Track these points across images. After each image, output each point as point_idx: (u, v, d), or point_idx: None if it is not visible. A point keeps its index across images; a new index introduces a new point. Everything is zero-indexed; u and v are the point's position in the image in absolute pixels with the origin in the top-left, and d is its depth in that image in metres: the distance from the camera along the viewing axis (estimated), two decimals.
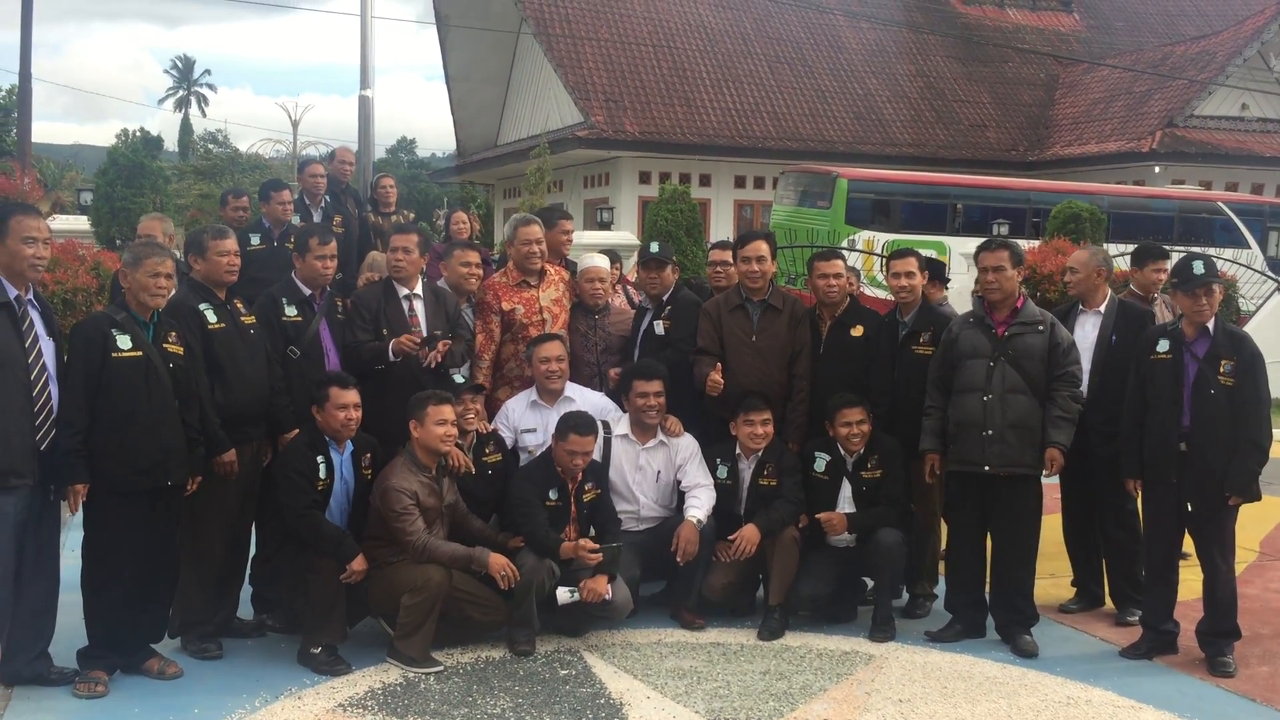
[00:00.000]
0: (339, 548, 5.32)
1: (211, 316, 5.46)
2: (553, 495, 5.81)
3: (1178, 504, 5.63)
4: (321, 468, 5.39)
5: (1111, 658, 5.78)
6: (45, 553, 5.01)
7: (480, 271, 6.67)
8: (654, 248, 6.79)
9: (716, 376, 6.22)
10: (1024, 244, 14.14)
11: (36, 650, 5.03)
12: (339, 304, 6.14)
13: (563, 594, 5.61)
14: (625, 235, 18.12)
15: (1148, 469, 5.69)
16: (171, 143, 63.72)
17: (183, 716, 4.79)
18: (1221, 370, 5.47)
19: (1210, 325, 5.54)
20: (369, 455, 5.63)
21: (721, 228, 26.15)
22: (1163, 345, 5.63)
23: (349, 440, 5.53)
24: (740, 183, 27.64)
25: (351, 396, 5.45)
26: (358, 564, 5.33)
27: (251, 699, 4.99)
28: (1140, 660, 5.71)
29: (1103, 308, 6.27)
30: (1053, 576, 6.75)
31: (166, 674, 5.19)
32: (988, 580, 6.03)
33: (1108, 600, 6.48)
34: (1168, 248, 7.50)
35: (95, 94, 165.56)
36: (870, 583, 6.29)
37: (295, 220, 8.53)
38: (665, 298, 6.65)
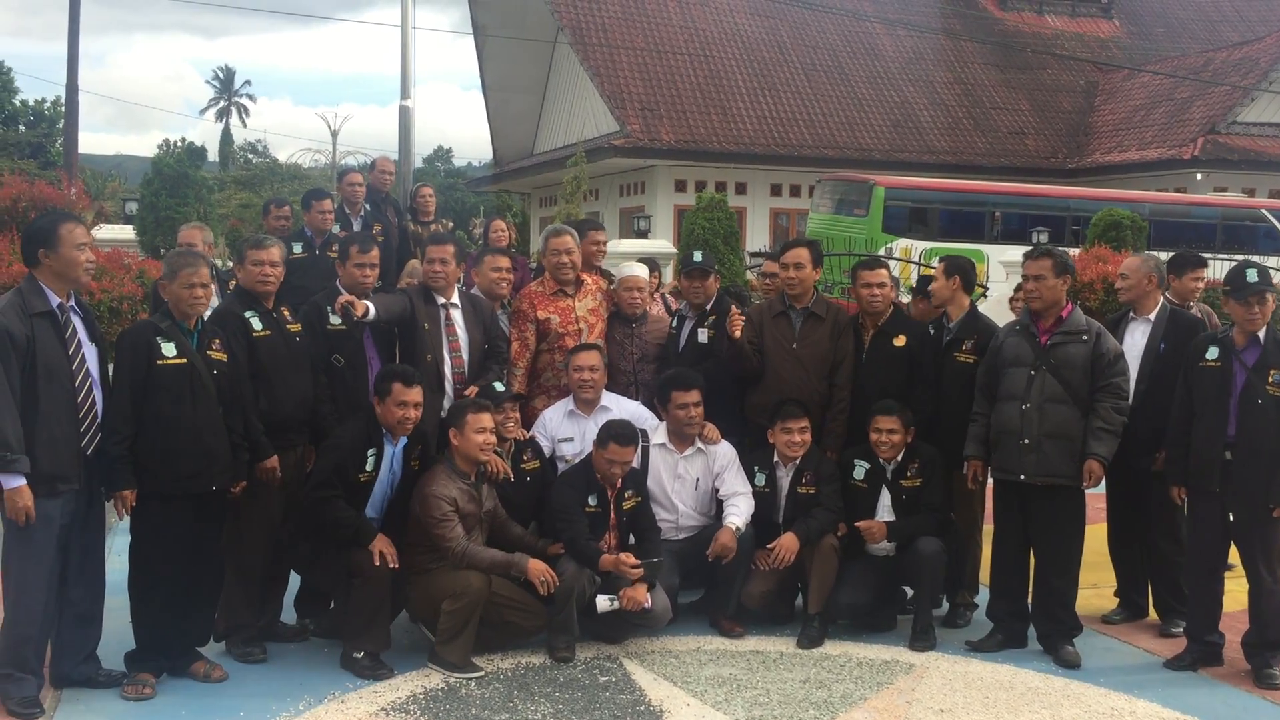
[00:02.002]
0: (357, 534, 5.32)
1: (257, 324, 5.52)
2: (592, 501, 5.83)
3: (1222, 514, 5.57)
4: (370, 460, 5.42)
5: (1156, 669, 5.73)
6: (90, 556, 5.08)
7: (511, 277, 6.70)
8: (697, 257, 6.77)
9: (736, 314, 6.25)
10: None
11: (84, 653, 5.10)
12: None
13: (602, 601, 5.63)
14: (662, 244, 18.16)
15: (1192, 478, 5.64)
16: (211, 153, 64.50)
17: (229, 719, 4.85)
18: (1270, 380, 5.40)
19: (1261, 334, 5.49)
20: (419, 448, 5.65)
21: (757, 236, 26.16)
22: (1212, 352, 5.58)
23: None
24: (776, 191, 27.63)
25: (413, 395, 5.46)
26: (380, 543, 5.33)
27: (295, 702, 5.04)
28: (1185, 672, 5.65)
29: (1153, 315, 6.21)
30: (1095, 587, 6.69)
31: (212, 677, 5.24)
32: (1030, 589, 5.98)
33: (1151, 611, 6.42)
34: (1209, 256, 7.45)
35: (137, 105, 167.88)
36: (910, 591, 6.27)
37: (336, 229, 8.64)
38: (709, 306, 6.65)
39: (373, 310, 5.84)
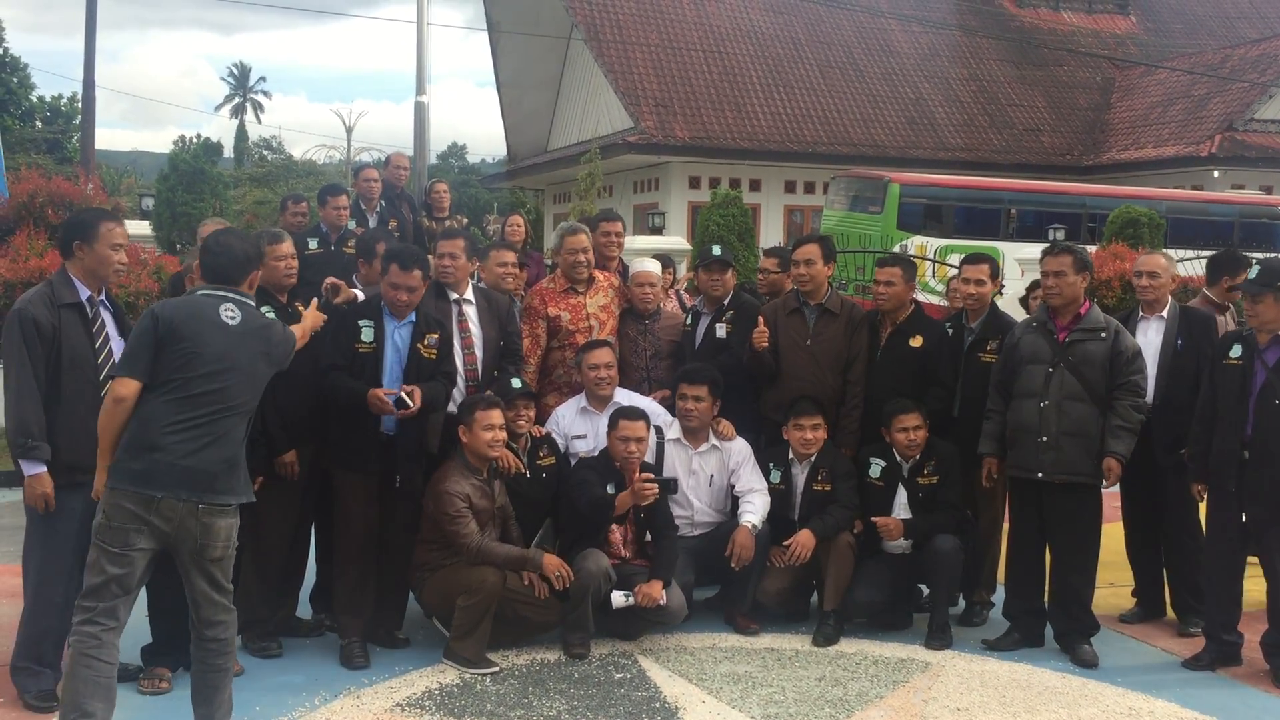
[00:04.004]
0: (352, 395, 5.34)
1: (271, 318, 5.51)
2: (610, 490, 5.82)
3: (1239, 512, 5.54)
4: (367, 331, 5.43)
5: (1174, 669, 5.70)
6: None
7: (517, 271, 6.71)
8: (716, 250, 6.77)
9: (762, 328, 6.24)
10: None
11: None
12: None
13: (617, 598, 5.62)
14: (676, 240, 18.13)
15: (1211, 475, 5.62)
16: (226, 149, 64.57)
17: (244, 713, 4.83)
18: None
19: None
20: (436, 336, 5.60)
21: (771, 233, 26.09)
22: (1236, 350, 5.55)
23: (412, 314, 5.54)
24: (790, 188, 27.57)
25: (407, 279, 5.42)
26: (375, 395, 5.29)
27: (311, 697, 5.05)
28: (1203, 671, 5.62)
29: (1165, 313, 6.19)
30: (1112, 586, 6.66)
31: None
32: (1047, 588, 5.95)
33: (1169, 610, 6.38)
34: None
35: (153, 100, 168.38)
36: (926, 590, 6.24)
37: (351, 225, 8.65)
38: (726, 301, 6.64)
39: (361, 298, 5.83)
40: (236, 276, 4.47)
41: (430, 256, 8.39)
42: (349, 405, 5.37)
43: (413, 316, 5.55)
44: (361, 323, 5.46)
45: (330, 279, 5.89)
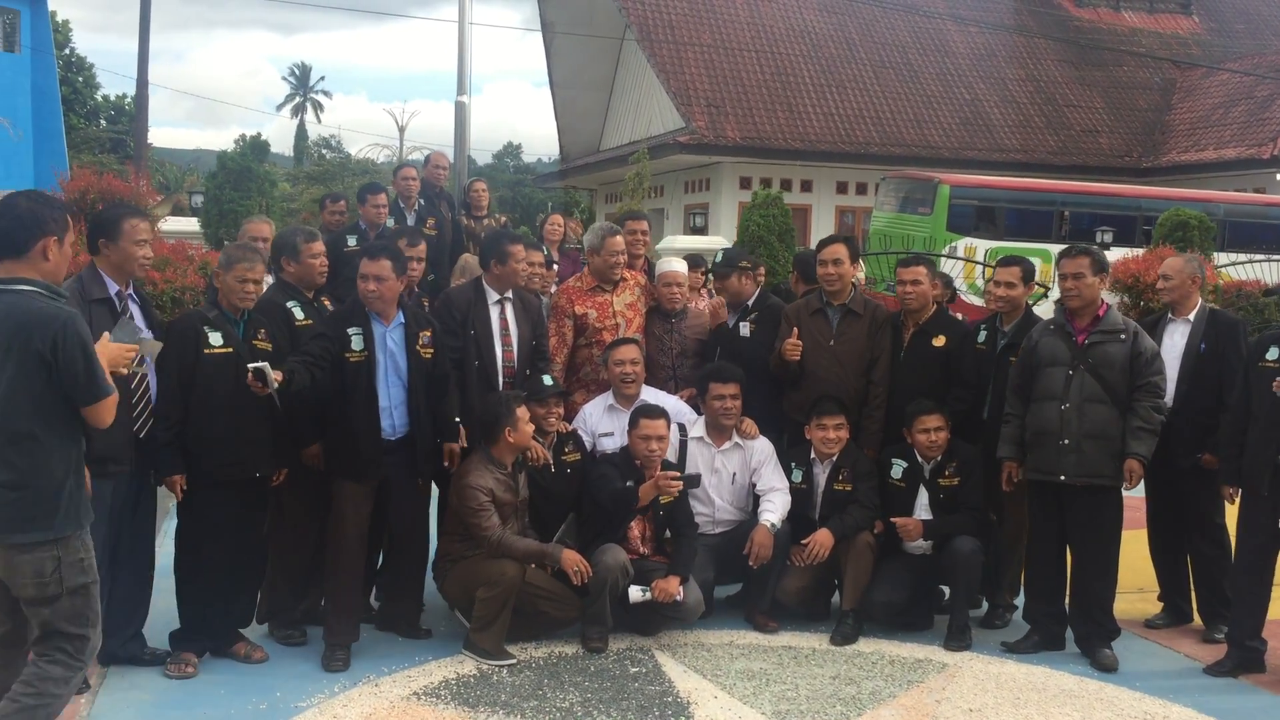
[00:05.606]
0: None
1: (299, 313, 5.65)
2: (630, 485, 5.87)
3: (1273, 517, 5.47)
4: (356, 339, 5.39)
5: (1195, 674, 5.64)
6: (140, 538, 5.24)
7: (544, 271, 6.80)
8: (719, 256, 6.87)
9: (793, 340, 6.26)
10: (1133, 252, 13.76)
11: (130, 631, 5.26)
12: (424, 304, 6.30)
13: (635, 592, 5.68)
14: (719, 240, 18.15)
15: (1244, 479, 5.55)
16: (286, 148, 65.42)
17: (266, 699, 4.97)
18: None
19: None
20: (429, 333, 5.60)
21: (823, 234, 25.91)
22: (1273, 353, 5.49)
23: (400, 314, 5.54)
24: (842, 188, 27.41)
25: (375, 268, 5.37)
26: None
27: (331, 685, 5.16)
28: (1225, 678, 5.55)
29: (1192, 316, 6.13)
30: (1141, 591, 6.59)
31: (253, 658, 5.38)
32: (1067, 591, 5.92)
33: (1196, 616, 6.31)
34: None
35: (216, 100, 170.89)
36: (948, 591, 6.23)
37: (390, 223, 8.78)
38: (751, 302, 6.67)
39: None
40: (21, 241, 3.75)
41: (468, 255, 8.56)
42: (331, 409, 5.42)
43: (401, 318, 5.55)
44: (350, 331, 5.41)
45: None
